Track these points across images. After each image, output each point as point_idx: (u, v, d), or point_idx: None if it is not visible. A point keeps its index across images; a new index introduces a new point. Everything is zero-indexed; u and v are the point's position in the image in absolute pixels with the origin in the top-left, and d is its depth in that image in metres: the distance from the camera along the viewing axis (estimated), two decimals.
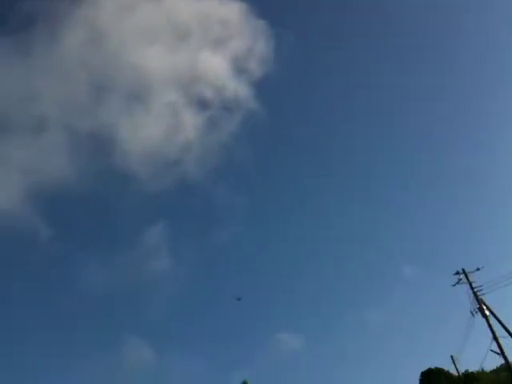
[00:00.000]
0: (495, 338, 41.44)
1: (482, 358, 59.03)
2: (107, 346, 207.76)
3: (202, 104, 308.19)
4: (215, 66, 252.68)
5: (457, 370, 74.11)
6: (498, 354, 41.85)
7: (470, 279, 44.40)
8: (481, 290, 43.63)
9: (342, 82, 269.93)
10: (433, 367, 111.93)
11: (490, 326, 41.43)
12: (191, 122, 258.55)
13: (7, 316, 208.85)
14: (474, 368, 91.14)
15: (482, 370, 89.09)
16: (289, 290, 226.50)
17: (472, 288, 43.75)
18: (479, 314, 42.54)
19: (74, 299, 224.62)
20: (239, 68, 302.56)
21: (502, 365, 65.96)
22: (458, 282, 44.90)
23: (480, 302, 42.71)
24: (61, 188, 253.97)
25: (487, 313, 42.00)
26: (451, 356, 72.47)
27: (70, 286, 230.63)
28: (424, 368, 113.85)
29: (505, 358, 41.76)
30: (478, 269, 45.11)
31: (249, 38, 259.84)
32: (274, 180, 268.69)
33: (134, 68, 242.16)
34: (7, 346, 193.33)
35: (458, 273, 45.22)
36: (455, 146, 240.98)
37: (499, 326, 41.69)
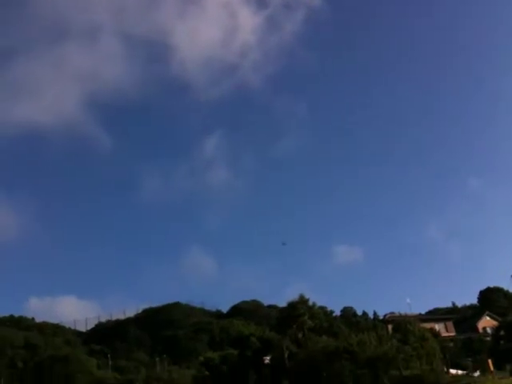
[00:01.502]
0: None
1: None
2: (171, 254, 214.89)
3: (261, 1, 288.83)
4: None
5: None
6: None
7: None
8: None
9: None
10: (492, 286, 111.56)
11: None
12: (249, 23, 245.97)
13: (74, 224, 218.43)
14: None
15: None
16: (346, 202, 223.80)
17: None
18: None
19: (135, 208, 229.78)
20: None
21: None
22: None
23: None
24: (118, 97, 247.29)
25: None
26: (511, 276, 71.33)
27: (132, 195, 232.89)
28: (483, 287, 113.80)
29: None
30: None
31: None
32: (340, 86, 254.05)
33: None
34: (74, 252, 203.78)
35: None
36: None
37: None
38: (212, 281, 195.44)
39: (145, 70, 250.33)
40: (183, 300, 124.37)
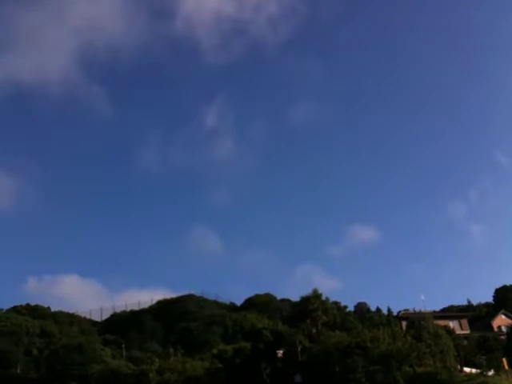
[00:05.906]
0: None
1: None
2: (173, 231, 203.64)
3: None
4: None
5: None
6: None
7: None
8: None
9: None
10: (508, 284, 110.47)
11: None
12: None
13: (71, 194, 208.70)
14: None
15: None
16: (363, 177, 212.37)
17: None
18: None
19: (134, 180, 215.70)
20: None
21: None
22: None
23: None
24: (118, 54, 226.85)
25: None
26: None
27: (131, 165, 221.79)
28: (499, 284, 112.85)
29: None
30: None
31: None
32: (366, 43, 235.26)
33: None
34: (72, 225, 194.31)
35: None
36: None
37: None
38: (218, 259, 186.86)
39: (147, 25, 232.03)
40: (195, 290, 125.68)
